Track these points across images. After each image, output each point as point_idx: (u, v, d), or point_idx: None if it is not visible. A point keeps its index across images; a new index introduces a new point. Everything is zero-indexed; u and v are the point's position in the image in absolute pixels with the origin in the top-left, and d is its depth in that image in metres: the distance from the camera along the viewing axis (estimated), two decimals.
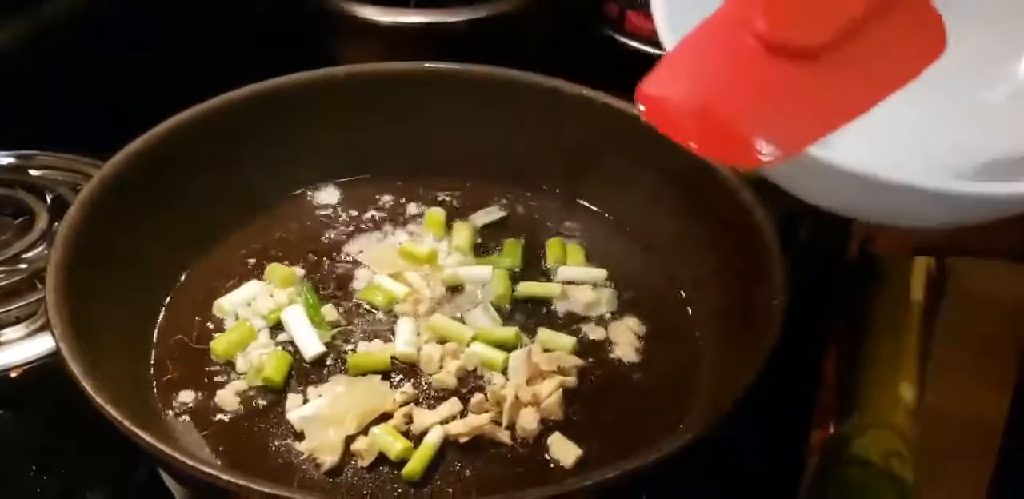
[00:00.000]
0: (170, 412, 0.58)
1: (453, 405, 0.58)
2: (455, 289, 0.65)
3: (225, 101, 0.67)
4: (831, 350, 0.62)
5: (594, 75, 0.70)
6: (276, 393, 0.59)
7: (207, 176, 0.66)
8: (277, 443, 0.57)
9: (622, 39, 0.82)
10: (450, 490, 0.54)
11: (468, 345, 0.61)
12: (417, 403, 0.58)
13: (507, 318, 0.63)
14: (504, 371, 0.59)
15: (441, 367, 0.60)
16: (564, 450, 0.56)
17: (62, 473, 0.62)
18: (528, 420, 0.57)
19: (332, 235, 0.69)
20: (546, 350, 0.61)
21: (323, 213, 0.71)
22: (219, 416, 0.58)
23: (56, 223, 0.67)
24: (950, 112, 0.50)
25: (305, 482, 0.55)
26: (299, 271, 0.66)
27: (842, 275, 0.66)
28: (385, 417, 0.57)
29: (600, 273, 0.66)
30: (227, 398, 0.58)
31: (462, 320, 0.63)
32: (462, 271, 0.66)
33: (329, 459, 0.55)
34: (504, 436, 0.57)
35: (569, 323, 0.64)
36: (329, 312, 0.63)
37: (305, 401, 0.58)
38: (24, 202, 0.71)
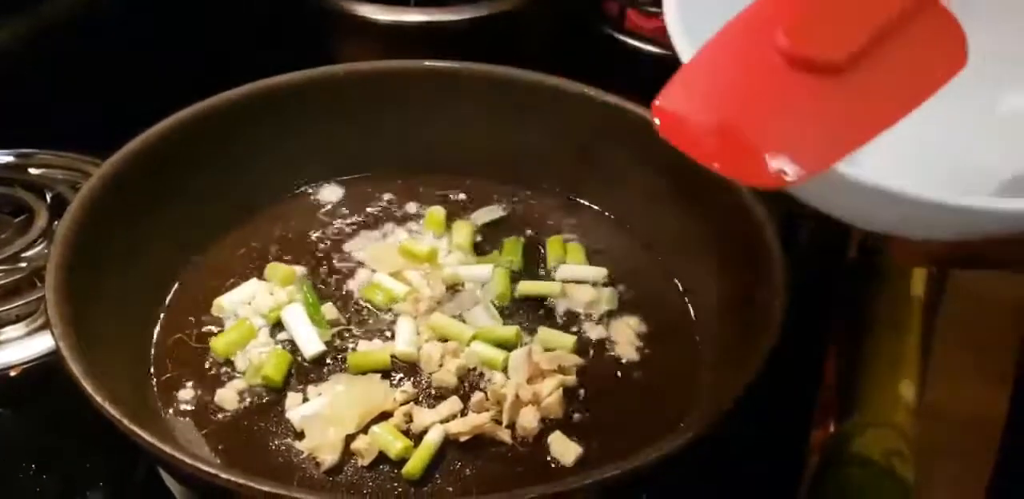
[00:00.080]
0: (170, 411, 0.58)
1: (453, 404, 0.57)
2: (455, 288, 0.65)
3: (224, 99, 0.67)
4: (831, 349, 0.62)
5: (594, 73, 0.70)
6: (276, 392, 0.59)
7: (206, 175, 0.66)
8: (277, 442, 0.56)
9: (622, 38, 0.82)
10: (450, 489, 0.54)
11: (468, 344, 0.61)
12: (417, 402, 0.58)
13: (507, 317, 0.63)
14: (504, 370, 0.59)
15: (441, 366, 0.60)
16: (564, 449, 0.56)
17: (62, 472, 0.62)
18: (528, 419, 0.56)
19: (332, 234, 0.69)
20: (546, 349, 0.61)
21: (323, 212, 0.71)
22: (219, 415, 0.58)
23: (56, 222, 0.67)
24: (964, 123, 0.49)
25: (305, 481, 0.55)
26: (299, 269, 0.66)
27: (842, 275, 0.66)
28: (385, 416, 0.57)
29: (600, 272, 0.66)
30: (227, 397, 0.58)
31: (462, 319, 0.63)
32: (462, 270, 0.65)
33: (329, 458, 0.55)
34: (504, 435, 0.57)
35: (569, 322, 0.64)
36: (329, 311, 0.63)
37: (305, 400, 0.58)
38: (24, 201, 0.71)
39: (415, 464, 0.54)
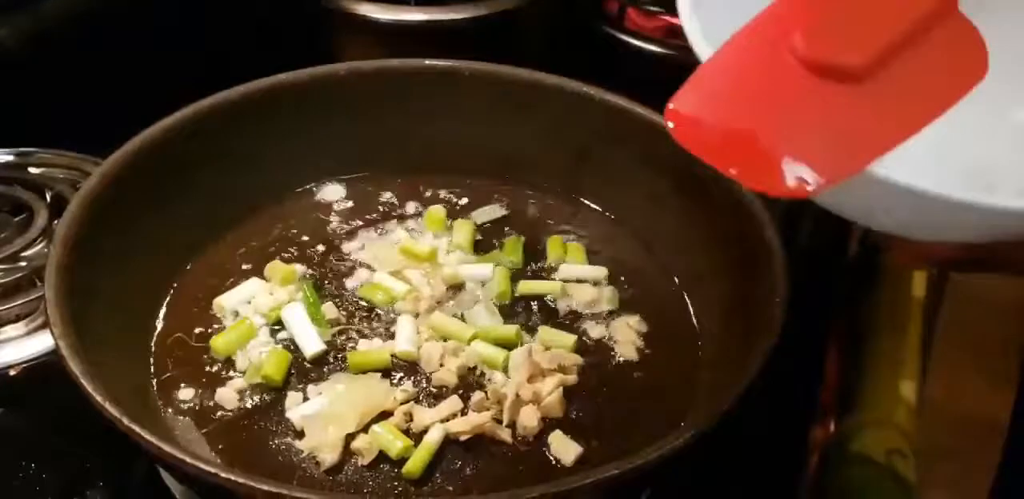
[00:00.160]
0: (170, 410, 0.58)
1: (453, 403, 0.57)
2: (456, 287, 0.65)
3: (224, 99, 0.66)
4: (831, 349, 0.62)
5: (594, 73, 0.70)
6: (276, 391, 0.59)
7: (206, 174, 0.66)
8: (277, 441, 0.56)
9: (622, 37, 0.82)
10: (450, 488, 0.54)
11: (468, 343, 0.61)
12: (417, 401, 0.58)
13: (508, 316, 0.63)
14: (505, 369, 0.59)
15: (441, 365, 0.60)
16: (565, 448, 0.56)
17: (62, 472, 0.62)
18: (528, 418, 0.56)
19: (332, 233, 0.69)
20: (547, 348, 0.61)
21: (323, 211, 0.71)
22: (219, 414, 0.58)
23: (55, 221, 0.67)
24: (978, 127, 0.48)
25: (305, 480, 0.55)
26: (299, 269, 0.66)
27: (842, 274, 0.66)
28: (385, 415, 0.57)
29: (601, 271, 0.66)
30: (227, 396, 0.58)
31: (462, 318, 0.63)
32: (463, 269, 0.65)
33: (329, 457, 0.55)
34: (505, 434, 0.57)
35: (570, 321, 0.64)
36: (329, 310, 0.63)
37: (305, 399, 0.58)
38: (23, 200, 0.71)
39: (415, 463, 0.54)
